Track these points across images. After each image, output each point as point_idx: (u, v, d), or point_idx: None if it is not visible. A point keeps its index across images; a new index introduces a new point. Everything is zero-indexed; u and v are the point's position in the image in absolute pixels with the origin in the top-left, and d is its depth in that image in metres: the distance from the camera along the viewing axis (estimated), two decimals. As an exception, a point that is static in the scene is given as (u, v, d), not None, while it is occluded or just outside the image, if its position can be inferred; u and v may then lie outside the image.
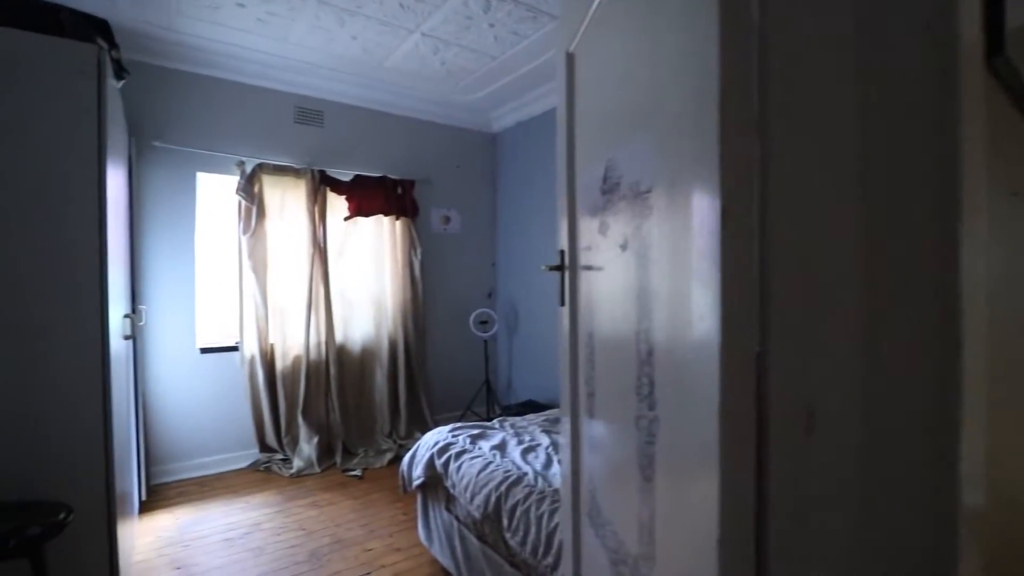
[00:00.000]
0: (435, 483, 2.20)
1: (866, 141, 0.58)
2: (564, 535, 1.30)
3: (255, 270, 3.42)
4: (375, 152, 4.02)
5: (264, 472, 3.37)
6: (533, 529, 1.61)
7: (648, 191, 0.76)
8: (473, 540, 1.95)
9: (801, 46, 0.58)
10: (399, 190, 4.01)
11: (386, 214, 3.95)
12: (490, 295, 4.64)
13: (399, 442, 3.81)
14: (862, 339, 0.58)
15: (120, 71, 2.02)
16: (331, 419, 3.66)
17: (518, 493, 1.75)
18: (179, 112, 3.27)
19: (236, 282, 3.42)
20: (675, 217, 0.68)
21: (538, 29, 2.94)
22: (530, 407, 3.80)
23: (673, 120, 0.69)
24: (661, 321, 0.72)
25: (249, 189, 3.40)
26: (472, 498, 1.89)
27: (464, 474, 1.99)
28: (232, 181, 3.40)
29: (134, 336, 2.47)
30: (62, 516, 1.31)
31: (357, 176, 3.84)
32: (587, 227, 1.10)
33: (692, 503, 0.63)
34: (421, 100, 4.07)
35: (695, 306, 0.60)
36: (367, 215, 3.87)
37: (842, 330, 0.58)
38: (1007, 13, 0.62)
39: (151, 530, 2.59)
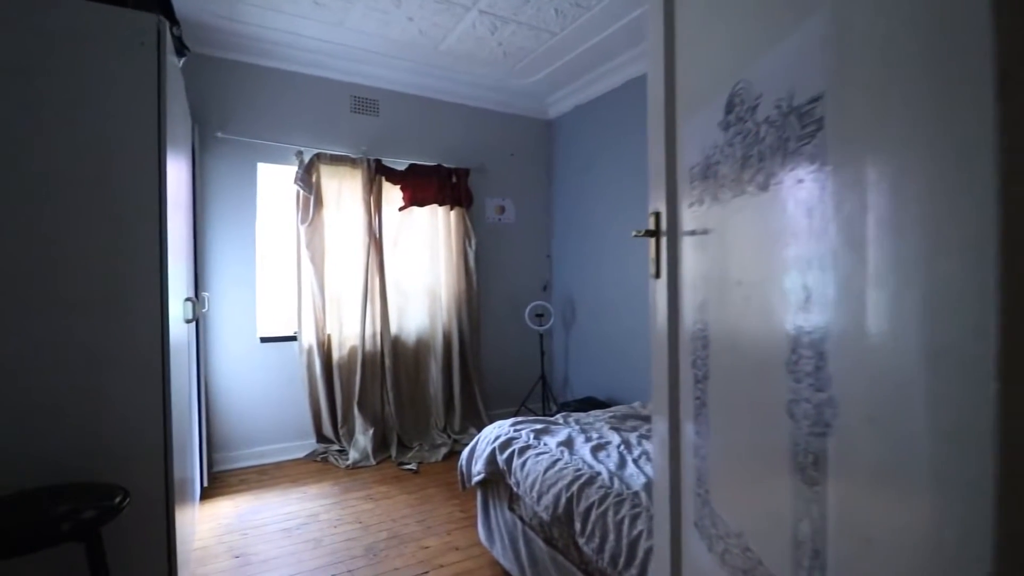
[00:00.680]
0: (496, 480, 2.06)
1: None
2: (658, 545, 1.11)
3: (313, 260, 3.40)
4: (429, 141, 3.94)
5: (321, 463, 3.34)
6: (612, 536, 1.43)
7: (813, 101, 0.57)
8: (540, 543, 1.78)
9: None
10: (453, 179, 3.91)
11: (440, 204, 3.86)
12: (545, 288, 4.47)
13: (453, 436, 3.71)
14: None
15: (181, 48, 2.00)
16: (386, 411, 3.60)
17: (592, 494, 1.57)
18: (241, 103, 3.30)
19: (294, 272, 3.42)
20: (868, 126, 0.49)
21: (602, -1, 2.75)
22: (590, 404, 3.60)
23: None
24: (834, 267, 0.53)
25: (307, 179, 3.39)
26: (539, 498, 1.73)
27: (529, 472, 1.84)
28: (290, 171, 3.40)
29: (196, 320, 2.48)
30: (118, 500, 1.25)
31: (412, 165, 3.77)
32: (693, 180, 0.91)
33: (919, 521, 0.43)
34: (476, 86, 3.96)
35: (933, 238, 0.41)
36: (421, 205, 3.79)
37: None
38: None
39: (212, 516, 2.59)
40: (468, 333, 3.94)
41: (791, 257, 0.63)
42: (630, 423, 2.31)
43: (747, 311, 0.74)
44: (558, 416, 2.37)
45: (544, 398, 4.08)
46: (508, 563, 1.98)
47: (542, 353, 4.13)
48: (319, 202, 3.45)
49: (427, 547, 2.30)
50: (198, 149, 3.04)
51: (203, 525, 2.50)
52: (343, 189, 3.55)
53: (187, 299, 2.02)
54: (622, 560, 1.37)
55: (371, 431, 3.43)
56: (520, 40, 3.24)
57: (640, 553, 1.33)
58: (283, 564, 2.17)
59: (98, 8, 1.45)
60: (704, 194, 0.88)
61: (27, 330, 1.38)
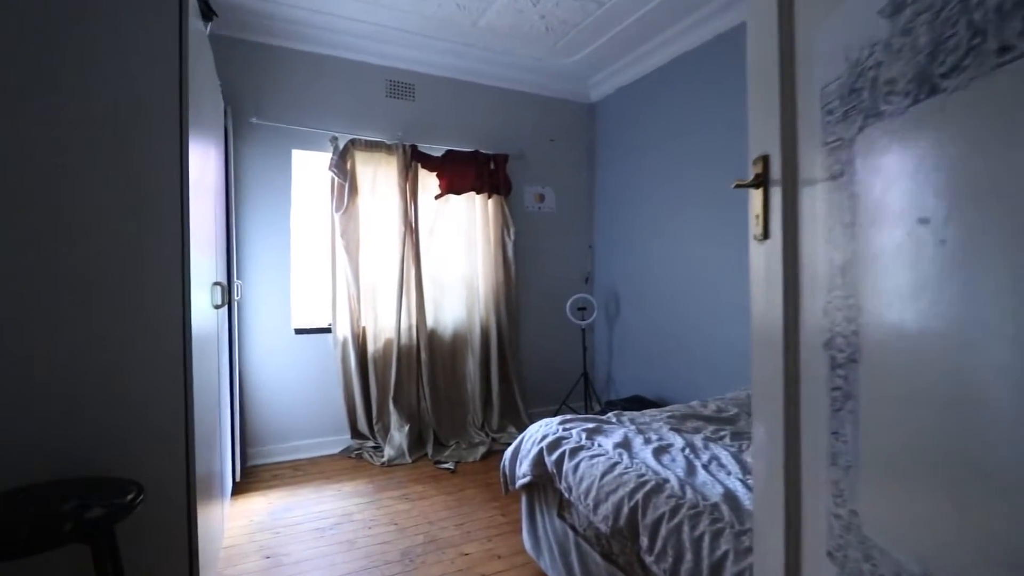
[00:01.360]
0: (544, 484, 1.86)
1: None
2: (765, 573, 0.89)
3: (347, 249, 3.29)
4: (467, 126, 3.77)
5: (356, 459, 3.22)
6: (689, 555, 1.21)
7: None
8: (596, 557, 1.58)
9: None
10: (491, 166, 3.74)
11: (478, 191, 3.68)
12: (587, 280, 4.24)
13: (491, 435, 3.53)
14: None
15: (208, 11, 1.88)
16: (422, 407, 3.46)
17: (661, 505, 1.36)
18: (275, 88, 3.21)
19: (329, 262, 3.31)
20: None
21: (656, -41, 2.51)
22: (638, 403, 3.36)
23: None
24: None
25: (342, 165, 3.27)
26: (596, 506, 1.53)
27: (583, 476, 1.63)
28: (325, 158, 3.30)
29: (228, 305, 2.38)
30: (131, 497, 1.12)
31: (448, 151, 3.61)
32: (830, 102, 0.69)
33: None
34: (514, 68, 3.77)
35: None
36: (458, 192, 3.63)
37: None
38: None
39: (244, 513, 2.49)
40: (506, 327, 3.75)
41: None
42: (691, 424, 2.07)
43: (939, 257, 0.52)
44: (610, 415, 2.15)
45: (586, 396, 3.86)
46: (557, 576, 1.78)
47: (584, 349, 3.90)
48: (354, 189, 3.33)
49: (467, 554, 2.13)
50: (232, 135, 2.96)
51: (234, 522, 2.39)
52: (378, 176, 3.42)
53: (215, 283, 1.90)
54: (703, 585, 1.15)
55: (407, 428, 3.29)
56: (563, 12, 3.03)
57: (727, 578, 1.10)
58: (315, 567, 2.03)
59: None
60: (849, 118, 0.66)
61: (38, 314, 1.27)
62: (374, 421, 3.34)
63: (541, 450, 1.85)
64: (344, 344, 3.31)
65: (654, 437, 1.86)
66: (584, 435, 1.86)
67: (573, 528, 1.71)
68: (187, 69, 1.44)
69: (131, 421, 1.34)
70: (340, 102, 3.39)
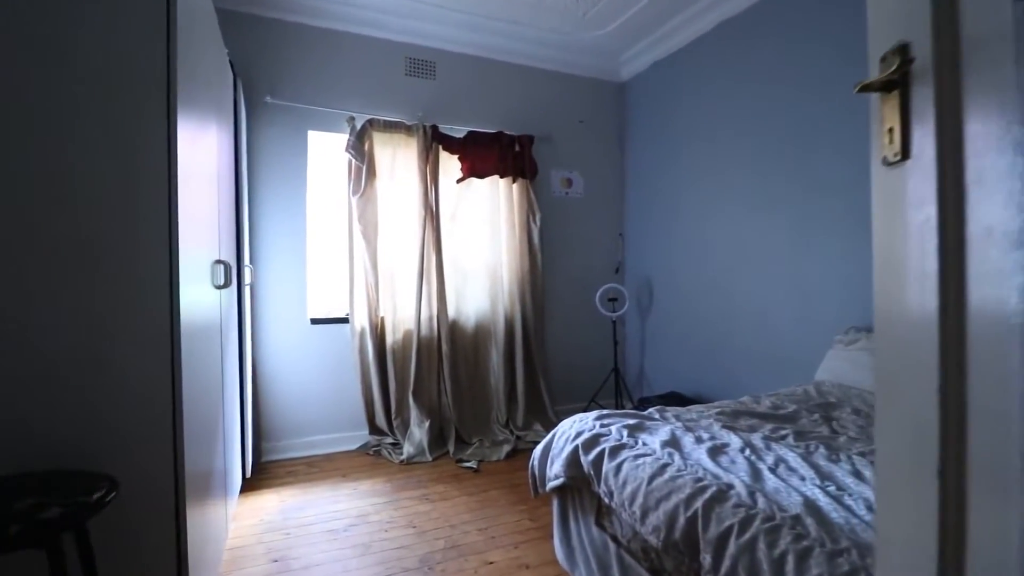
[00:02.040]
0: (579, 486, 1.65)
1: None
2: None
3: (365, 234, 3.12)
4: (490, 105, 3.57)
5: (373, 456, 3.05)
6: (768, 580, 0.98)
7: None
8: (643, 574, 1.35)
9: None
10: (516, 147, 3.53)
11: (502, 175, 3.48)
12: (617, 269, 3.99)
13: (516, 433, 3.32)
14: None
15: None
16: (443, 402, 3.27)
17: (727, 515, 1.12)
18: (290, 67, 3.06)
19: (346, 249, 3.15)
20: None
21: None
22: (675, 400, 3.11)
23: None
24: None
25: (359, 147, 3.11)
26: (643, 515, 1.30)
27: (627, 479, 1.41)
28: (342, 139, 3.14)
29: (238, 290, 2.22)
30: (99, 495, 0.95)
31: (471, 132, 3.42)
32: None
33: None
34: (540, 44, 3.55)
35: None
36: (481, 176, 3.43)
37: None
38: None
39: (254, 511, 2.34)
40: (532, 318, 3.54)
41: None
42: (744, 421, 1.82)
43: None
44: (651, 411, 1.92)
45: (617, 393, 3.61)
46: (595, 593, 1.56)
47: (615, 342, 3.66)
48: (372, 172, 3.16)
49: (491, 562, 1.92)
50: (246, 114, 2.82)
51: (243, 521, 2.24)
52: (397, 158, 3.25)
53: (217, 261, 1.74)
54: (789, 619, 0.92)
55: (427, 424, 3.11)
56: (595, -24, 2.80)
57: (823, 613, 0.87)
58: (326, 573, 1.86)
59: None
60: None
61: (15, 284, 1.11)
62: (393, 416, 3.17)
63: (576, 448, 1.63)
64: (362, 335, 3.14)
65: (705, 436, 1.62)
66: (625, 432, 1.63)
67: (615, 539, 1.48)
68: (175, 30, 1.26)
69: (114, 408, 1.17)
70: (357, 81, 3.23)
